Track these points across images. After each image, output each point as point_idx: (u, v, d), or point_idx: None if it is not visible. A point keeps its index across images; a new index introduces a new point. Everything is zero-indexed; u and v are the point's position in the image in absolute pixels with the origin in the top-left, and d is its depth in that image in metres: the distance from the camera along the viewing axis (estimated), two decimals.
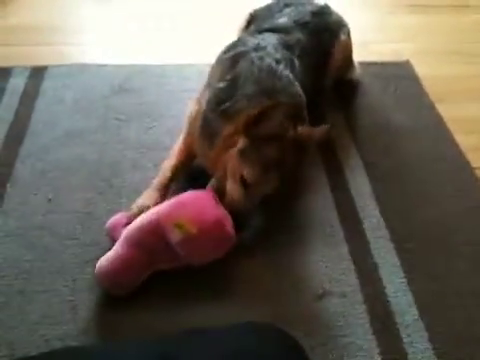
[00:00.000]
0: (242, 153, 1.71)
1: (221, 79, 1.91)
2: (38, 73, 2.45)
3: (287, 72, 1.92)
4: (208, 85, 2.00)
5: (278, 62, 1.93)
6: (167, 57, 2.62)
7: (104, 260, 1.61)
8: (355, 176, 2.06)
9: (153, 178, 1.89)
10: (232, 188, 1.73)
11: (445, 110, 2.37)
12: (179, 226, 1.59)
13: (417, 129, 2.29)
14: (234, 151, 1.73)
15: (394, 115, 2.35)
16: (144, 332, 1.53)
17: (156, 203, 1.76)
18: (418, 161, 2.14)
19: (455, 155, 2.17)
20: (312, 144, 1.82)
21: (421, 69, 2.59)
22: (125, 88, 2.40)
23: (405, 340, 1.58)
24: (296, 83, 1.92)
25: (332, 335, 1.58)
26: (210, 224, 1.61)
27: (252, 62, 1.90)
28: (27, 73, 2.44)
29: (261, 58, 1.91)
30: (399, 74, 2.57)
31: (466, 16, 3.07)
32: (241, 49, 2.00)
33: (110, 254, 1.62)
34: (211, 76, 2.04)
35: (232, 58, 1.98)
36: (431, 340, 1.58)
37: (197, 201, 1.68)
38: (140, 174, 1.99)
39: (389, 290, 1.70)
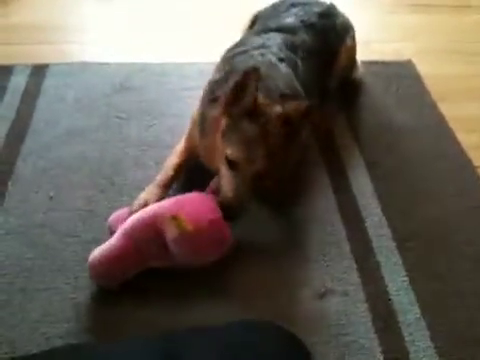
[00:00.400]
0: (224, 134, 1.68)
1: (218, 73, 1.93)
2: (39, 71, 2.45)
3: (288, 69, 1.91)
4: None
5: (281, 60, 1.92)
6: (167, 56, 2.62)
7: (96, 250, 1.62)
8: (357, 175, 2.05)
9: (154, 176, 1.89)
10: (222, 175, 1.69)
11: (447, 109, 2.37)
12: (177, 221, 1.58)
13: (419, 128, 2.28)
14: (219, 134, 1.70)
15: (396, 114, 2.35)
16: (145, 330, 1.52)
17: (157, 199, 1.76)
18: (420, 160, 2.14)
19: (457, 154, 2.17)
20: (301, 119, 1.71)
21: (423, 68, 2.59)
22: (126, 86, 2.40)
23: (407, 339, 1.58)
24: (296, 81, 1.91)
25: (334, 334, 1.58)
26: (206, 224, 1.61)
27: (251, 56, 1.90)
28: (28, 71, 2.44)
29: (263, 55, 1.91)
30: (401, 73, 2.57)
31: (468, 16, 3.07)
32: (244, 48, 2.00)
33: (104, 245, 1.62)
34: (213, 74, 2.04)
35: (233, 56, 1.98)
36: (433, 339, 1.58)
37: (196, 201, 1.68)
38: (141, 172, 1.99)
39: (391, 289, 1.70)
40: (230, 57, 2.00)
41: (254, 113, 1.64)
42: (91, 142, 2.12)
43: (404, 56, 2.67)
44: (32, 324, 1.55)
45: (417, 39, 2.84)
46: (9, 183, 1.93)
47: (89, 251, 1.64)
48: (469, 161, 2.13)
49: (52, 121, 2.20)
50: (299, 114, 1.68)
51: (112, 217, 1.73)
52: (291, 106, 1.68)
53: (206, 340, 1.40)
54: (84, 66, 2.51)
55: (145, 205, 1.74)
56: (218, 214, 1.64)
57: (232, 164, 1.66)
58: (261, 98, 1.66)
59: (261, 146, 1.63)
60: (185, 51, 2.64)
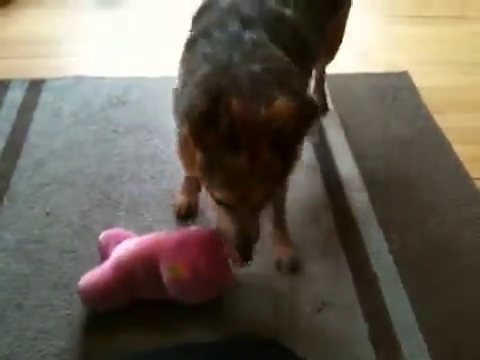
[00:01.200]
0: (204, 172, 1.34)
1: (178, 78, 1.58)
2: (36, 86, 2.46)
3: (256, 36, 1.44)
4: None
5: (249, 22, 1.47)
6: (164, 69, 2.61)
7: (87, 275, 1.59)
8: (353, 188, 2.05)
9: (151, 191, 1.93)
10: (218, 216, 1.44)
11: (443, 120, 2.37)
12: (172, 269, 1.55)
13: (415, 140, 2.28)
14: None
15: (392, 125, 2.35)
16: (141, 347, 1.51)
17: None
18: (416, 171, 2.14)
19: (453, 165, 2.17)
20: (296, 123, 1.26)
21: (419, 79, 2.60)
22: (123, 101, 2.41)
23: (405, 352, 1.56)
24: (271, 45, 1.46)
25: (331, 347, 1.57)
26: (204, 271, 1.55)
27: (215, 43, 1.47)
28: (25, 86, 2.46)
29: (222, 25, 1.49)
30: (397, 85, 2.58)
31: (463, 27, 3.07)
32: (208, 21, 1.59)
33: (94, 271, 1.59)
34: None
35: (194, 40, 1.61)
36: (431, 352, 1.56)
37: (198, 242, 1.60)
38: (138, 187, 2.00)
39: (388, 301, 1.69)
40: (190, 42, 1.62)
41: (234, 137, 1.25)
42: (87, 156, 2.12)
43: (400, 67, 2.67)
44: (28, 342, 1.54)
45: (413, 50, 2.85)
46: (5, 198, 1.93)
47: (85, 267, 1.64)
48: (466, 173, 2.13)
49: (48, 135, 2.21)
50: (291, 117, 1.25)
51: (103, 235, 1.71)
52: (280, 106, 1.26)
53: (202, 357, 1.40)
54: (80, 80, 2.52)
55: (189, 206, 1.86)
56: (219, 256, 1.58)
57: (225, 205, 1.37)
58: (234, 103, 1.25)
59: (253, 176, 1.29)
60: None
